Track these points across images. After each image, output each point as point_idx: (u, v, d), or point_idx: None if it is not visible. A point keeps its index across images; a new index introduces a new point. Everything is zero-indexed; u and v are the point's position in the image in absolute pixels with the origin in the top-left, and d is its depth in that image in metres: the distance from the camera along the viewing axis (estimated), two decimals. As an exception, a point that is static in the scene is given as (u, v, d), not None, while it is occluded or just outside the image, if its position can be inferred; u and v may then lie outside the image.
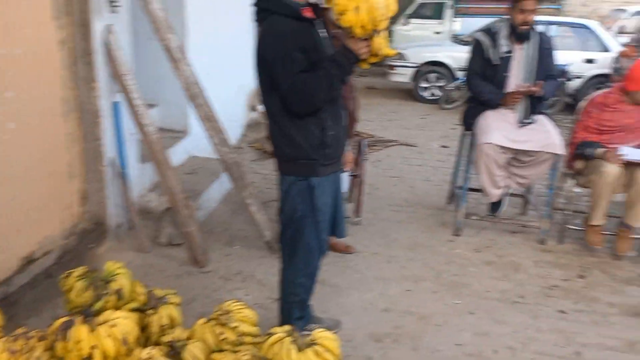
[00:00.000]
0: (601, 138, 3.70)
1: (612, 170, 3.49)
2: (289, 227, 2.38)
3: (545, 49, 3.69)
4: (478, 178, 3.81)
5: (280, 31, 2.09)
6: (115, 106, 3.43)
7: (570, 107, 8.54)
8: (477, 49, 3.77)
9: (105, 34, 3.25)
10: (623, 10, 12.33)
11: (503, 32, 3.67)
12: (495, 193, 3.79)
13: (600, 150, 3.61)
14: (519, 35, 3.63)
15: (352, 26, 1.96)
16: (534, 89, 3.56)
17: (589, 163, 3.70)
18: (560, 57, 8.39)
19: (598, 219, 3.65)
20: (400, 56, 9.60)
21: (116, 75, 3.34)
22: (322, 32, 2.24)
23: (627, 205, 3.64)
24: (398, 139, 6.82)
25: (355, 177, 4.08)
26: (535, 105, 3.67)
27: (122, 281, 2.04)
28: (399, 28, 12.76)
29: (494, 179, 3.71)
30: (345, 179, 3.80)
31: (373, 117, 8.23)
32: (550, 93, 3.74)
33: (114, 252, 3.46)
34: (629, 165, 3.59)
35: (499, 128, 3.62)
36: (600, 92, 3.90)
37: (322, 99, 2.11)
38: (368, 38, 2.03)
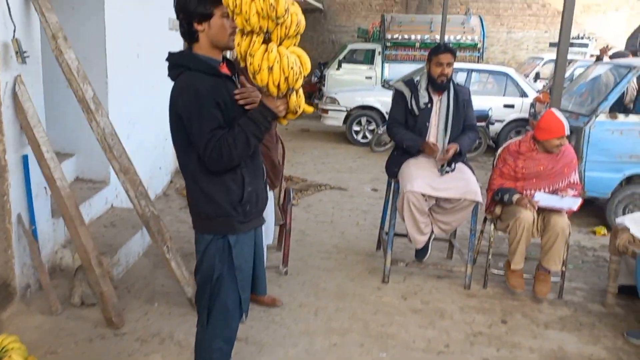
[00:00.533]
0: (517, 184, 3.86)
1: (527, 216, 3.64)
2: (206, 288, 2.28)
3: (463, 100, 3.87)
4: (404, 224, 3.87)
5: (195, 88, 2.05)
6: (24, 160, 3.25)
7: (492, 150, 8.96)
8: (399, 98, 3.90)
9: (14, 85, 3.10)
10: (539, 58, 13.20)
11: (422, 84, 3.83)
12: (420, 239, 3.84)
13: (516, 197, 3.76)
14: (437, 86, 3.79)
15: (267, 85, 1.96)
16: (450, 152, 3.71)
17: (506, 209, 3.84)
18: (482, 102, 9.01)
19: (517, 264, 3.77)
20: (333, 100, 9.81)
21: (26, 128, 3.17)
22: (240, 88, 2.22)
23: (543, 249, 3.78)
24: (330, 183, 6.87)
25: (283, 226, 4.04)
26: (454, 154, 3.79)
27: (15, 358, 1.87)
28: (332, 73, 13.09)
29: (419, 225, 3.77)
30: (271, 228, 3.75)
31: (307, 160, 8.28)
32: (467, 147, 3.88)
33: (20, 316, 3.20)
34: (544, 210, 3.76)
35: (421, 176, 3.70)
36: (514, 140, 4.08)
37: (239, 156, 2.08)
38: (285, 96, 2.03)
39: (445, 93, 3.82)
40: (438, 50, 3.77)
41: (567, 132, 3.70)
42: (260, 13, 1.89)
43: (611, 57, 8.23)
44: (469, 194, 3.65)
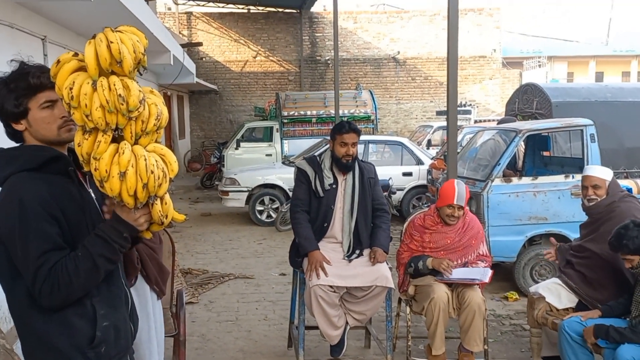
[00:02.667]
0: None
1: (441, 296, 3.43)
2: None
3: (369, 179, 3.65)
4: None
5: (20, 198, 1.57)
6: None
7: (397, 218, 8.97)
8: (302, 178, 3.62)
9: None
10: (429, 126, 13.86)
11: (326, 163, 3.59)
12: (334, 335, 3.47)
13: (429, 260, 3.58)
14: (342, 167, 3.56)
15: (120, 195, 1.53)
16: (377, 261, 3.43)
17: (420, 289, 3.61)
18: (382, 172, 9.06)
19: (438, 349, 3.49)
20: (233, 181, 9.46)
21: None
22: (89, 188, 1.75)
23: (462, 329, 3.55)
24: (234, 272, 6.37)
25: (177, 337, 3.48)
26: (360, 238, 3.54)
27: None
28: (231, 152, 12.81)
29: (331, 320, 3.41)
30: (161, 344, 3.20)
31: (208, 248, 7.73)
32: (388, 241, 3.62)
33: None
34: (458, 287, 3.56)
35: (327, 266, 3.38)
36: (419, 213, 3.94)
37: (83, 287, 1.60)
38: (146, 204, 1.59)
39: (351, 173, 3.59)
40: (342, 129, 3.53)
41: (457, 201, 3.58)
42: (105, 106, 1.49)
43: (499, 122, 8.70)
44: (380, 280, 3.37)
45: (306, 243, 3.45)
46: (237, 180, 9.43)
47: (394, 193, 9.05)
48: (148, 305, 2.76)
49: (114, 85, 1.50)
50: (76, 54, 1.58)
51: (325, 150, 3.70)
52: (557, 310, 3.49)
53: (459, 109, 13.94)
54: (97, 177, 1.53)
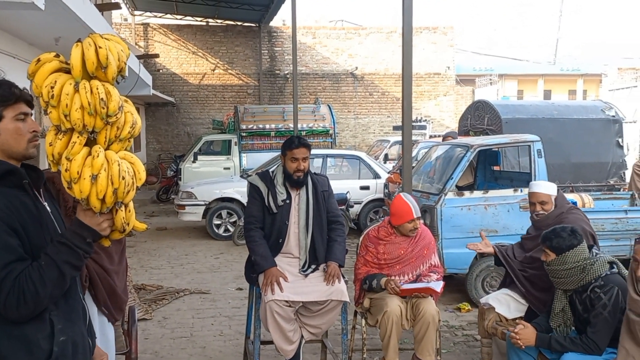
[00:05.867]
0: (381, 271, 3.73)
1: (394, 309, 3.49)
2: None
3: (322, 192, 3.66)
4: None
5: None
6: None
7: (354, 232, 9.05)
8: (255, 194, 3.61)
9: None
10: (386, 140, 14.09)
11: (279, 179, 3.58)
12: (289, 350, 3.46)
13: (383, 280, 3.63)
14: (295, 182, 3.56)
15: (88, 198, 1.54)
16: (333, 279, 3.42)
17: (374, 302, 3.66)
18: (340, 185, 9.18)
19: (392, 359, 3.54)
20: (190, 194, 9.35)
21: None
22: (48, 202, 1.74)
23: (416, 339, 3.62)
24: (190, 287, 6.27)
25: (128, 354, 3.40)
26: (316, 253, 3.55)
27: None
28: (188, 166, 12.66)
29: (286, 334, 3.40)
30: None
31: (163, 263, 7.59)
32: (344, 254, 3.63)
33: None
34: (412, 298, 3.63)
35: (283, 282, 3.38)
36: (373, 226, 4.00)
37: (49, 296, 1.57)
38: (111, 210, 1.61)
39: (304, 187, 3.59)
40: (292, 145, 3.53)
41: (415, 214, 3.68)
42: (86, 108, 1.51)
43: (444, 137, 8.94)
44: (336, 294, 3.39)
45: (262, 261, 3.43)
46: (194, 194, 9.32)
47: (352, 206, 9.14)
48: (95, 325, 2.68)
49: (97, 89, 1.54)
50: (57, 55, 1.61)
51: (278, 166, 3.70)
52: (507, 320, 3.59)
53: (414, 124, 14.34)
54: (66, 177, 1.54)
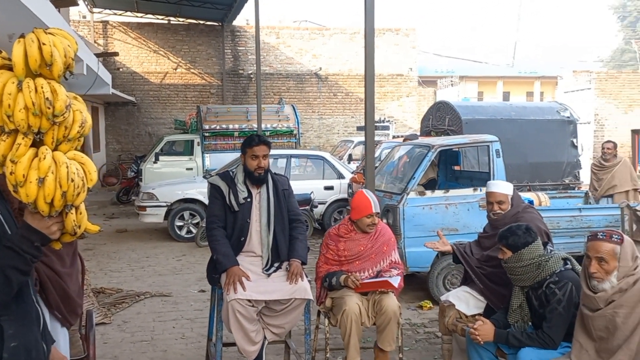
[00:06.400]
0: (341, 268, 3.78)
1: (353, 307, 3.53)
2: None
3: (283, 190, 3.67)
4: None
5: None
6: None
7: (318, 232, 9.07)
8: (216, 193, 3.58)
9: None
10: (350, 141, 14.16)
11: (239, 177, 3.57)
12: (251, 350, 3.42)
13: (342, 277, 3.66)
14: (255, 180, 3.56)
15: (35, 202, 1.48)
16: (296, 277, 3.40)
17: (336, 301, 3.68)
18: (304, 186, 9.18)
19: (353, 357, 3.58)
20: (151, 196, 9.17)
21: None
22: None
23: (378, 330, 3.71)
24: (151, 290, 6.15)
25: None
26: (278, 250, 3.55)
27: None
28: (149, 166, 12.43)
29: (248, 335, 3.37)
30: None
31: (123, 266, 7.42)
32: (306, 251, 3.62)
33: None
34: (374, 295, 3.67)
35: (245, 281, 3.35)
36: (335, 225, 4.03)
37: None
38: (60, 213, 1.55)
39: (264, 185, 3.59)
40: (252, 142, 3.55)
41: (375, 209, 3.73)
42: (30, 108, 1.44)
43: (405, 138, 9.06)
44: (299, 292, 3.39)
45: (224, 260, 3.41)
46: (155, 195, 9.15)
47: (316, 207, 9.15)
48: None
49: (42, 87, 1.47)
50: None
51: (238, 165, 3.69)
52: (466, 316, 3.66)
53: (377, 124, 14.49)
54: (11, 181, 1.48)
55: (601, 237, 2.71)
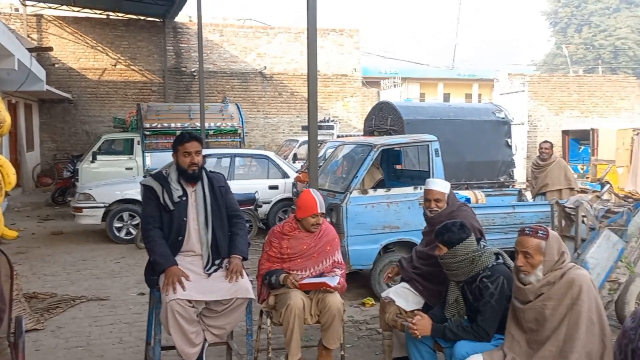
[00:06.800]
0: (283, 266, 3.78)
1: (297, 303, 3.54)
2: None
3: (219, 187, 3.61)
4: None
5: None
6: None
7: (263, 232, 9.02)
8: (150, 195, 3.49)
9: None
10: (295, 140, 14.17)
11: (173, 176, 3.49)
12: (191, 353, 3.36)
13: (282, 276, 3.67)
14: (189, 177, 3.49)
15: None
16: (236, 275, 3.38)
17: (279, 298, 3.68)
18: (249, 185, 9.12)
19: (294, 355, 3.59)
20: (88, 196, 8.84)
21: None
22: None
23: (322, 328, 3.72)
24: (87, 294, 5.93)
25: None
26: (219, 250, 3.50)
27: None
28: (86, 166, 11.99)
29: (188, 337, 3.31)
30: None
31: (58, 269, 7.11)
32: (247, 245, 3.60)
33: None
34: (318, 293, 3.69)
35: (185, 281, 3.29)
36: (279, 223, 4.03)
37: None
38: None
39: (199, 183, 3.53)
40: (183, 139, 3.49)
41: (320, 209, 3.76)
42: None
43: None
44: (241, 291, 3.36)
45: (162, 260, 3.33)
46: (92, 196, 8.83)
47: (260, 206, 9.10)
48: None
49: None
50: None
51: (171, 165, 3.61)
52: (406, 312, 3.74)
53: (322, 124, 14.56)
54: None
55: (528, 232, 2.85)
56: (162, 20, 17.62)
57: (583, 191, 7.99)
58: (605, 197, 7.72)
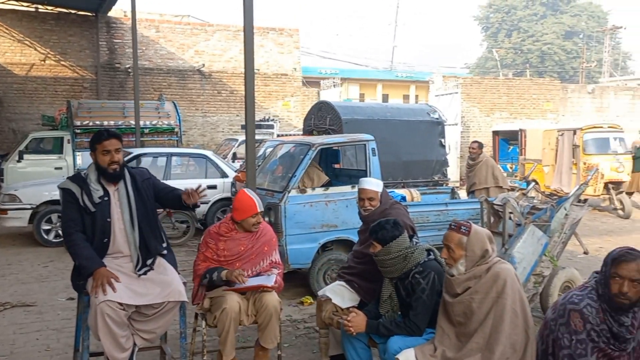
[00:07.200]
0: (217, 265, 3.72)
1: (233, 306, 3.51)
2: None
3: (143, 182, 3.49)
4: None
5: None
6: None
7: (200, 232, 8.86)
8: (69, 198, 3.31)
9: None
10: (234, 139, 14.00)
11: (92, 177, 3.35)
12: (121, 357, 3.24)
13: (224, 272, 3.62)
14: (110, 176, 3.36)
15: None
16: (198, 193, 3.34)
17: (214, 300, 3.63)
18: (186, 185, 8.87)
19: (229, 355, 3.57)
20: (13, 198, 8.38)
21: None
22: None
23: (259, 328, 3.70)
24: (12, 300, 5.62)
25: None
26: (149, 248, 3.39)
27: None
28: (12, 166, 11.34)
29: (118, 340, 3.19)
30: None
31: (-21, 275, 6.69)
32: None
33: None
34: (254, 293, 3.67)
35: (116, 283, 3.18)
36: (216, 223, 3.97)
37: None
38: None
39: (122, 182, 3.40)
40: (101, 137, 3.34)
41: (259, 208, 3.74)
42: None
43: None
44: (173, 294, 3.27)
45: (88, 263, 3.19)
46: (18, 197, 8.38)
47: (198, 206, 8.85)
48: None
49: None
50: None
51: (90, 165, 3.46)
52: (342, 309, 3.79)
53: (262, 123, 14.46)
54: None
55: (453, 227, 2.97)
56: (95, 15, 16.93)
57: (511, 189, 8.38)
58: (531, 194, 8.14)
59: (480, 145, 8.71)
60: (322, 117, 8.57)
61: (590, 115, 22.56)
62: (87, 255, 3.20)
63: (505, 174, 15.83)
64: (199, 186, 3.46)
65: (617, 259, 2.54)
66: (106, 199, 3.33)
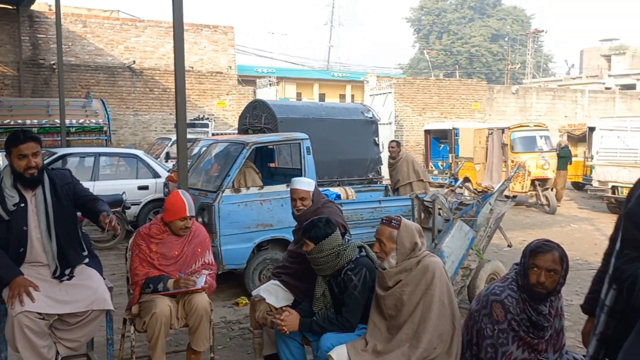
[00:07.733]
0: (156, 271, 3.60)
1: (164, 310, 3.41)
2: None
3: (64, 186, 3.31)
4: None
5: None
6: None
7: (131, 234, 8.57)
8: None
9: None
10: (167, 139, 13.64)
11: (7, 182, 3.14)
12: (43, 368, 3.09)
13: (171, 281, 3.52)
14: (28, 182, 3.16)
15: None
16: (113, 225, 3.13)
17: (144, 305, 3.51)
18: (116, 186, 8.60)
19: (159, 358, 3.46)
20: None
21: None
22: None
23: (190, 331, 3.60)
24: None
25: None
26: (68, 259, 3.22)
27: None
28: None
29: (39, 351, 3.03)
30: None
31: None
32: (109, 208, 3.35)
33: None
34: (184, 295, 3.57)
35: (34, 291, 3.01)
36: (146, 224, 3.84)
37: None
38: None
39: (40, 187, 3.21)
40: (17, 140, 3.11)
41: (189, 213, 3.64)
42: None
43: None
44: (98, 303, 3.13)
45: (4, 273, 2.99)
46: None
47: (129, 208, 8.63)
48: None
49: None
50: None
51: (5, 168, 3.24)
52: (276, 309, 3.77)
53: (196, 122, 14.15)
54: None
55: (384, 222, 3.04)
56: (16, 8, 15.99)
57: (440, 185, 8.67)
58: (464, 191, 8.46)
59: (399, 144, 9.12)
60: (257, 116, 8.50)
61: (514, 115, 23.75)
62: (2, 264, 3.01)
63: (436, 172, 16.36)
64: (112, 219, 3.20)
65: (534, 251, 2.68)
66: (22, 205, 3.13)
